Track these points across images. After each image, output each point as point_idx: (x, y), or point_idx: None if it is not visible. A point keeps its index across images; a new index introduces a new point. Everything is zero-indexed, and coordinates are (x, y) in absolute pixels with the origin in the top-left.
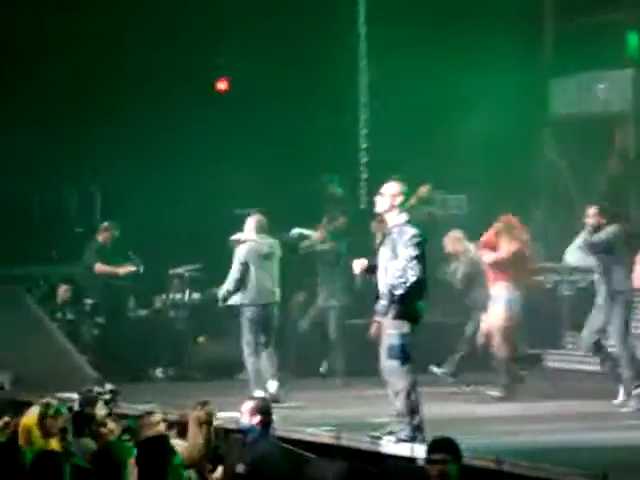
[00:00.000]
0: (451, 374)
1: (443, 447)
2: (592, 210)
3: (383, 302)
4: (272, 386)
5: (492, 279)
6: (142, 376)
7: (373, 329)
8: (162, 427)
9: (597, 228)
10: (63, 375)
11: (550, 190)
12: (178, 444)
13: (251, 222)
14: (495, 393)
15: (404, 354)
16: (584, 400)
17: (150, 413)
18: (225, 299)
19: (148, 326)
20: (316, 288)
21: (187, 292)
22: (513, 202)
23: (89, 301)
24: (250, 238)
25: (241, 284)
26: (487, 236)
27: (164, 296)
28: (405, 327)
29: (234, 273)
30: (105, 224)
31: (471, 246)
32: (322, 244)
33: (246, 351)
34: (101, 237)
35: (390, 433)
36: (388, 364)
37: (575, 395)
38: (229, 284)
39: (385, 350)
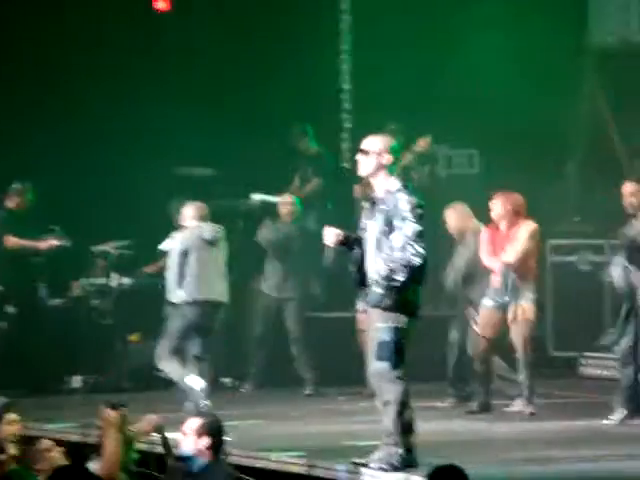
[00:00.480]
0: (458, 398)
1: (447, 477)
2: (629, 187)
3: (378, 290)
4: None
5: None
6: (56, 386)
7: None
8: (56, 454)
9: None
10: None
11: (588, 142)
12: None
13: (190, 210)
14: (527, 409)
15: (397, 354)
16: (631, 417)
17: (37, 438)
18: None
19: (63, 320)
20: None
21: (114, 275)
22: (539, 158)
23: None
24: (189, 225)
25: (182, 278)
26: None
27: (84, 280)
28: (400, 320)
29: (174, 267)
30: (17, 186)
31: (481, 226)
32: (289, 232)
33: (167, 358)
34: (12, 203)
35: (378, 459)
36: (376, 366)
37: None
38: (171, 284)
39: (373, 349)
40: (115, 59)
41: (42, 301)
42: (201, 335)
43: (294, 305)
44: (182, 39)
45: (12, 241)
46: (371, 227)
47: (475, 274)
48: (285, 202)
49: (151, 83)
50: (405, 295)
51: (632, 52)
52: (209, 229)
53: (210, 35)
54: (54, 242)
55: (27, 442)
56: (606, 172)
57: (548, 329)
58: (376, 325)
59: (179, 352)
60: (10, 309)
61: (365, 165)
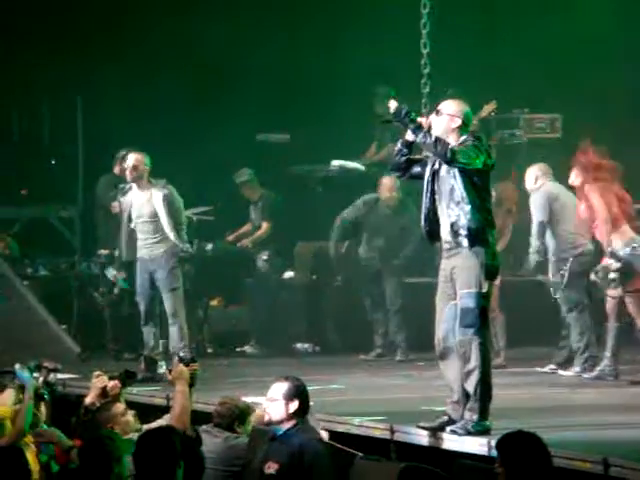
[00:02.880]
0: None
1: (517, 444)
2: None
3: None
4: None
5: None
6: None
7: None
8: (129, 418)
9: None
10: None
11: None
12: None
13: (146, 161)
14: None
15: (481, 320)
16: None
17: (110, 402)
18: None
19: None
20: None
21: (195, 241)
22: (625, 121)
23: (104, 251)
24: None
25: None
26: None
27: None
28: (484, 285)
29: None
30: (122, 153)
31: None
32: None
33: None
34: (118, 169)
35: (451, 422)
36: (461, 333)
37: None
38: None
39: (458, 315)
40: (195, 35)
41: None
42: None
43: (391, 270)
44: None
45: (117, 206)
46: (443, 187)
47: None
48: (387, 186)
49: (231, 51)
50: (484, 258)
51: None
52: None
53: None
54: None
55: (102, 406)
56: None
57: None
58: (460, 291)
59: None
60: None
61: (436, 126)
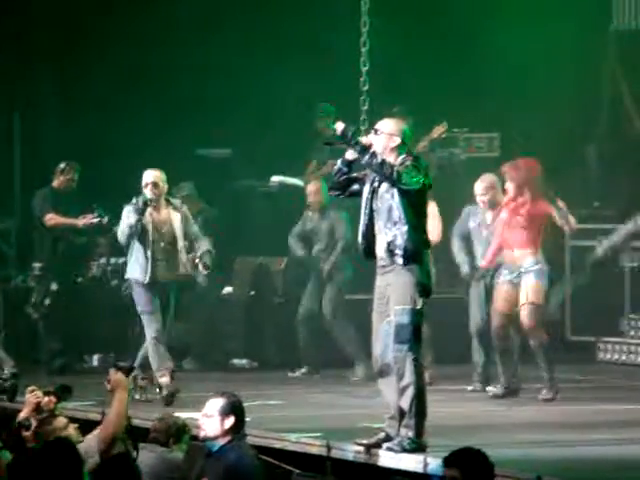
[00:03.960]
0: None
1: (464, 460)
2: None
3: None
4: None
5: (518, 244)
6: (76, 365)
7: None
8: (71, 432)
9: None
10: None
11: (609, 127)
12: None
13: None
14: (544, 395)
15: (415, 337)
16: None
17: (54, 416)
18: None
19: (84, 299)
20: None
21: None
22: (560, 142)
23: (37, 264)
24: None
25: None
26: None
27: (103, 259)
28: (418, 302)
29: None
30: (62, 166)
31: None
32: (318, 218)
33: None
34: (56, 182)
35: (388, 439)
36: (396, 349)
37: (638, 396)
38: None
39: (392, 331)
40: (137, 48)
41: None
42: None
43: (333, 284)
44: (201, 17)
45: (52, 219)
46: (381, 205)
47: None
48: (312, 191)
49: (172, 65)
50: (421, 275)
51: None
52: None
53: (230, 13)
54: (92, 219)
55: (43, 420)
56: (626, 156)
57: (566, 313)
58: (394, 307)
59: None
60: (53, 286)
61: (375, 145)
